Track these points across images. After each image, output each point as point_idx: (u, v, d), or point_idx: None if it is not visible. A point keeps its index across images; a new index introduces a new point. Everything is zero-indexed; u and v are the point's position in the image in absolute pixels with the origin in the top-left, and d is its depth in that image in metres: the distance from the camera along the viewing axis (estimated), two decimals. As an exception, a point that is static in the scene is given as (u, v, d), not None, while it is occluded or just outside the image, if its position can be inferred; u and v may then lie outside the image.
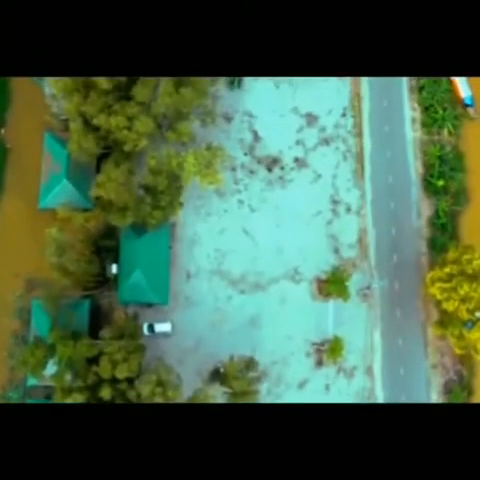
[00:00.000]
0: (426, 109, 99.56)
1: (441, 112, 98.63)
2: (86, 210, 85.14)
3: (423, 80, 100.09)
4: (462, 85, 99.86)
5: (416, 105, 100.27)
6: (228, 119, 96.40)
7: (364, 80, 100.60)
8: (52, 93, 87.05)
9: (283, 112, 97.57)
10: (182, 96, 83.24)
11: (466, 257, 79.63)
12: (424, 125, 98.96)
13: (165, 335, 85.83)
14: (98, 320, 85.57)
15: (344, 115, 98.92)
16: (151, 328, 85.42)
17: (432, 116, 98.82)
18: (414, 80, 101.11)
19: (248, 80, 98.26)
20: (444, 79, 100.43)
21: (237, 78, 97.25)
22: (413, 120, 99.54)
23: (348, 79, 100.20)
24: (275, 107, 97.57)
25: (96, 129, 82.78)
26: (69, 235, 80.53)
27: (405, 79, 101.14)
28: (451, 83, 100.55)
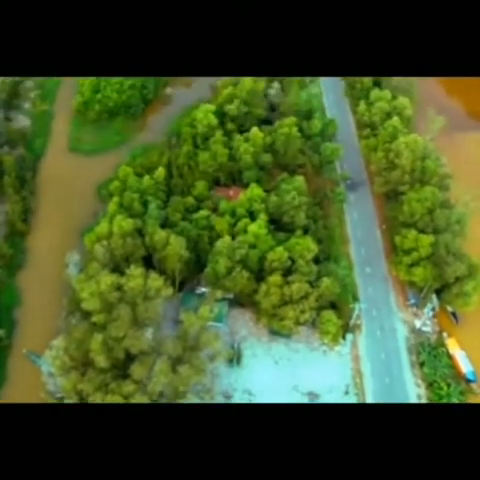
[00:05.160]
0: (430, 385, 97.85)
1: (446, 388, 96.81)
2: None
3: (423, 356, 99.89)
4: (462, 360, 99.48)
5: (420, 381, 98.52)
6: (227, 397, 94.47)
7: (364, 356, 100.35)
8: (49, 371, 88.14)
9: (283, 390, 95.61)
10: (179, 374, 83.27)
11: None
12: (431, 401, 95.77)
13: None
14: None
15: (347, 393, 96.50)
16: None
17: (437, 392, 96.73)
18: (414, 355, 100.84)
19: (247, 357, 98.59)
20: (444, 354, 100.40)
21: (236, 355, 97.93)
22: (419, 397, 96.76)
23: (348, 355, 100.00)
24: (275, 385, 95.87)
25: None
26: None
27: (405, 355, 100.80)
28: (451, 358, 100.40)
